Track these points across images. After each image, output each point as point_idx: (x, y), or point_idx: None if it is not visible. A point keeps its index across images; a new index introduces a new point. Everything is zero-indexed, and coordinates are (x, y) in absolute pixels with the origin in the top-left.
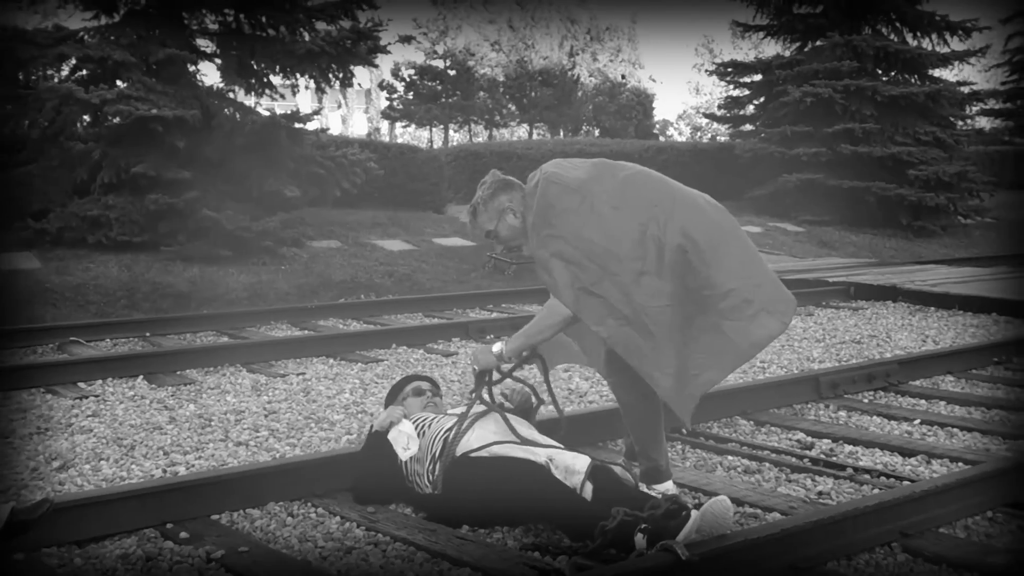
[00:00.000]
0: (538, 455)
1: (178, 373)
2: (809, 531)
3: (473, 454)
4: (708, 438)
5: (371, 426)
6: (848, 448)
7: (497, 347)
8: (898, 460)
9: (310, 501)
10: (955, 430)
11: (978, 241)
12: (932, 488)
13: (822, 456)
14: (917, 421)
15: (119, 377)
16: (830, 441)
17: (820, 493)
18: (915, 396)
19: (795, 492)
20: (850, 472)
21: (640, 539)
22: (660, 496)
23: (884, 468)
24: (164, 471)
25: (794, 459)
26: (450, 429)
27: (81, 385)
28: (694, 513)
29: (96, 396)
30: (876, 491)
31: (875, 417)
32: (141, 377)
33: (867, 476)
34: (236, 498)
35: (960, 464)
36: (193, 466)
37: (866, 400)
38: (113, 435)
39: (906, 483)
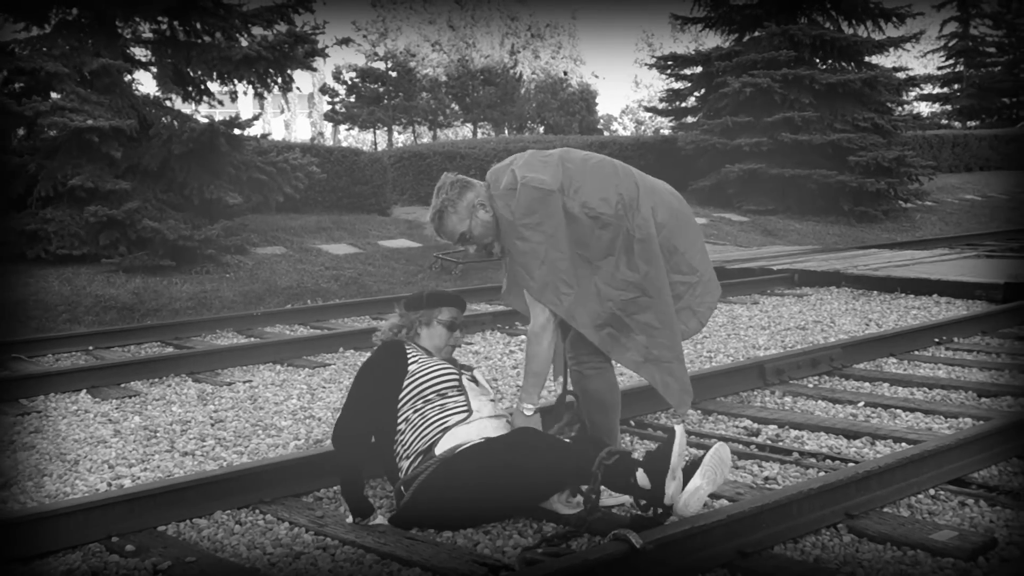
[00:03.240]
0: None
1: (122, 386)
2: (755, 516)
3: (464, 447)
4: (656, 428)
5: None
6: (794, 433)
7: (528, 412)
8: (843, 443)
9: (258, 508)
10: (898, 411)
11: (919, 224)
12: (875, 468)
13: (768, 442)
14: (861, 404)
15: (62, 392)
16: (776, 427)
17: (767, 479)
18: (859, 379)
19: (742, 479)
20: (796, 456)
21: (642, 476)
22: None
23: (829, 451)
24: (109, 484)
25: (741, 446)
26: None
27: (23, 401)
28: (678, 430)
29: (38, 412)
30: (821, 474)
31: (820, 401)
32: (84, 391)
33: (812, 460)
34: (183, 508)
35: (903, 444)
36: (139, 478)
37: (811, 385)
38: (56, 450)
39: (851, 465)
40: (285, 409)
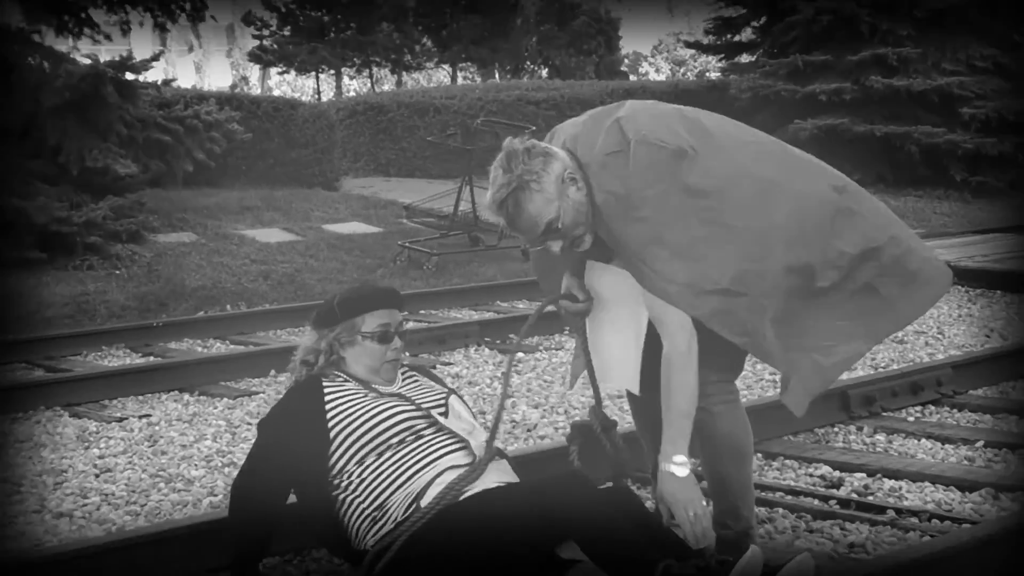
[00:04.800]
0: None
1: None
2: None
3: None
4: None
5: (292, 368)
6: (889, 484)
7: (681, 471)
8: (955, 496)
9: None
10: None
11: None
12: (1001, 531)
13: (854, 496)
14: (979, 444)
15: None
16: (864, 475)
17: (852, 545)
18: (976, 410)
19: (819, 545)
20: (891, 516)
21: None
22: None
23: (937, 508)
24: None
25: (817, 501)
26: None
27: None
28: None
29: None
30: (927, 539)
31: (924, 440)
32: None
33: (915, 520)
34: None
35: None
36: None
37: (912, 418)
38: None
39: (966, 527)
40: (196, 454)
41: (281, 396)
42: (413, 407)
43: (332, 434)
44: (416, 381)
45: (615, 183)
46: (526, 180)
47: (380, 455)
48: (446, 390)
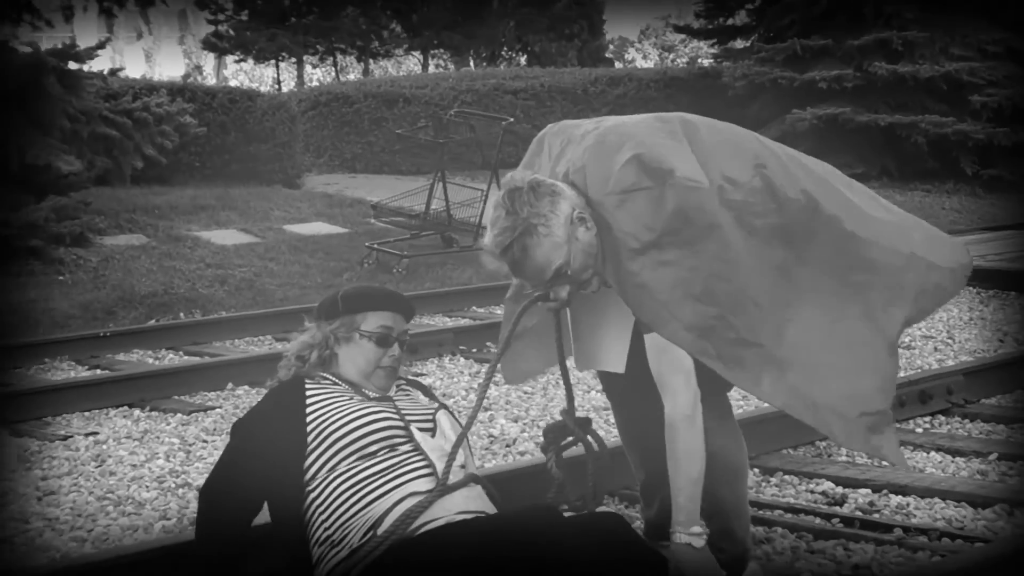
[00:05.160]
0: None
1: None
2: None
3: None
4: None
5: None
6: (896, 500)
7: (698, 542)
8: (967, 513)
9: None
10: None
11: None
12: (1016, 550)
13: (858, 513)
14: (993, 456)
15: None
16: (869, 491)
17: (856, 567)
18: (989, 420)
19: (821, 567)
20: (899, 534)
21: None
22: None
23: (947, 526)
24: None
25: (818, 520)
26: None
27: None
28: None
29: None
30: (937, 559)
31: (933, 453)
32: None
33: (923, 538)
34: None
35: None
36: None
37: (920, 430)
38: None
39: (979, 546)
40: (147, 474)
41: (259, 400)
42: (397, 416)
43: (310, 436)
44: (408, 394)
45: (634, 224)
46: (533, 224)
47: (351, 465)
48: (436, 405)
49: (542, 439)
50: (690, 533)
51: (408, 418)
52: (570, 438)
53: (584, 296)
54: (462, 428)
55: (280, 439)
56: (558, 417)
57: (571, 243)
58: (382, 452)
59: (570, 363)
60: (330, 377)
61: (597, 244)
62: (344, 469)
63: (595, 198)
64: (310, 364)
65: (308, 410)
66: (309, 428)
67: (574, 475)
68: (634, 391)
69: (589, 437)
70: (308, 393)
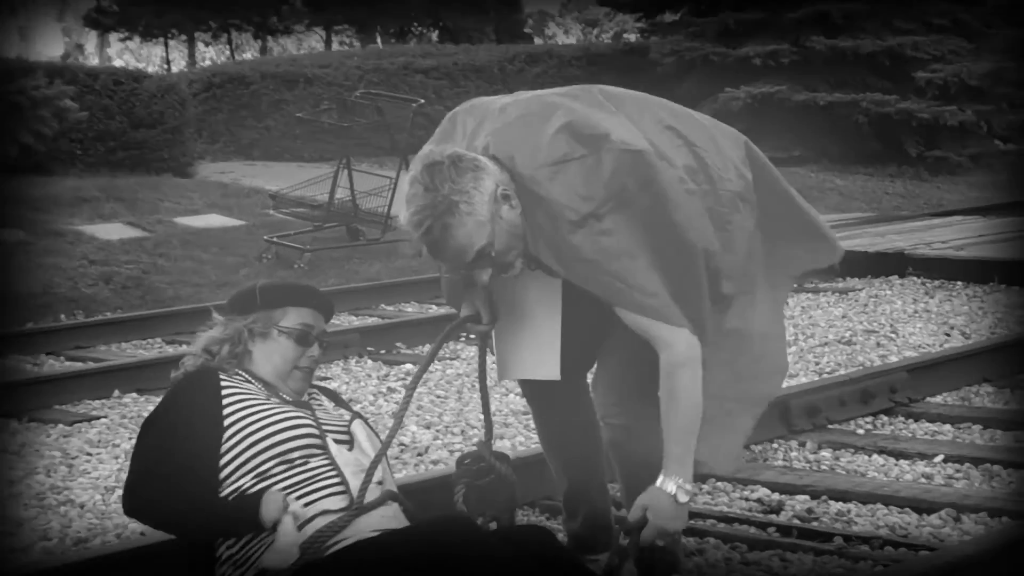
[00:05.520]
0: None
1: None
2: None
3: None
4: (620, 505)
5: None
6: (836, 507)
7: (683, 497)
8: (912, 520)
9: None
10: (996, 467)
11: None
12: (962, 559)
13: (796, 522)
14: (939, 459)
15: None
16: (807, 498)
17: None
18: (935, 420)
19: None
20: (839, 543)
21: None
22: None
23: (891, 533)
24: None
25: (754, 529)
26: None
27: None
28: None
29: None
30: (879, 568)
31: (876, 456)
32: None
33: (865, 547)
34: None
35: (1004, 519)
36: None
37: (862, 431)
38: None
39: (924, 554)
40: (26, 491)
41: (165, 392)
42: (315, 426)
43: (226, 433)
44: (319, 402)
45: (571, 196)
46: (455, 201)
47: (265, 472)
48: (349, 415)
49: (454, 467)
50: (680, 486)
51: (324, 428)
52: (486, 475)
53: (506, 297)
54: (379, 441)
55: (197, 433)
56: (471, 446)
57: (495, 222)
58: (298, 462)
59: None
60: (242, 374)
61: (522, 224)
62: (253, 480)
63: (524, 172)
64: (220, 358)
65: (225, 403)
66: (226, 424)
67: (483, 508)
68: (559, 398)
69: (505, 472)
70: (223, 385)
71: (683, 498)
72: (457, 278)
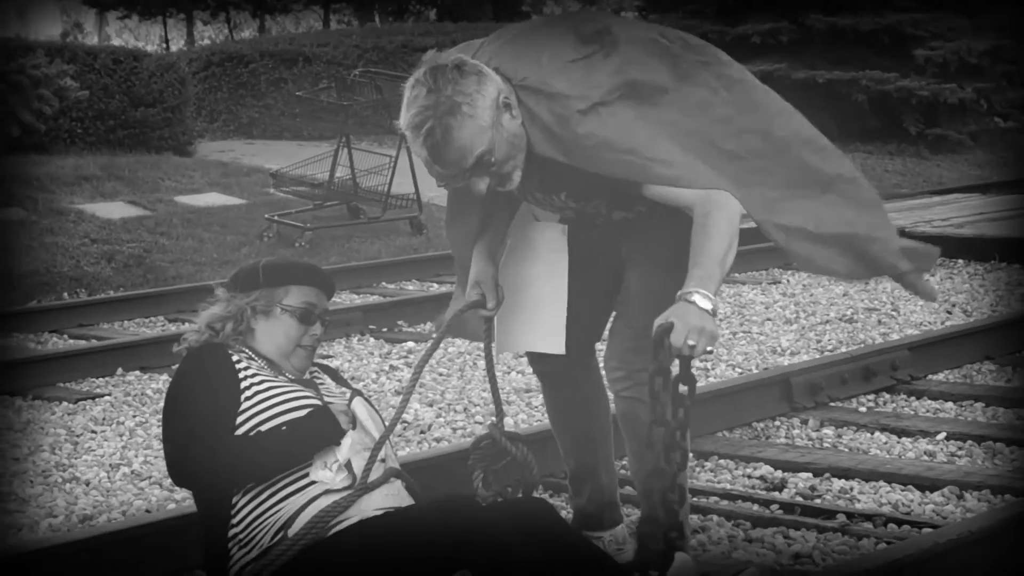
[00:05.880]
0: None
1: None
2: None
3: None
4: (623, 483)
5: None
6: (838, 484)
7: (704, 303)
8: (914, 497)
9: None
10: (999, 445)
11: None
12: (967, 535)
13: (799, 499)
14: (941, 436)
15: None
16: (810, 475)
17: (797, 556)
18: (937, 398)
19: (760, 557)
20: (841, 521)
21: None
22: None
23: (894, 511)
24: None
25: (756, 507)
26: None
27: None
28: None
29: None
30: (882, 546)
31: (878, 434)
32: None
33: (868, 525)
34: None
35: (1007, 497)
36: None
37: (863, 408)
38: None
39: (927, 531)
40: (31, 468)
41: (178, 366)
42: (320, 403)
43: (241, 407)
44: (321, 380)
45: (578, 87)
46: (457, 103)
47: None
48: (349, 392)
49: (469, 457)
50: (700, 292)
51: (329, 406)
52: (502, 458)
53: (510, 273)
54: (380, 418)
55: (219, 398)
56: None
57: (496, 129)
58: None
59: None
60: (246, 351)
61: (523, 135)
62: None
63: (529, 76)
64: (224, 335)
65: (240, 375)
66: (242, 397)
67: (504, 484)
68: (568, 373)
69: (521, 455)
70: (234, 359)
71: (704, 304)
72: (465, 208)
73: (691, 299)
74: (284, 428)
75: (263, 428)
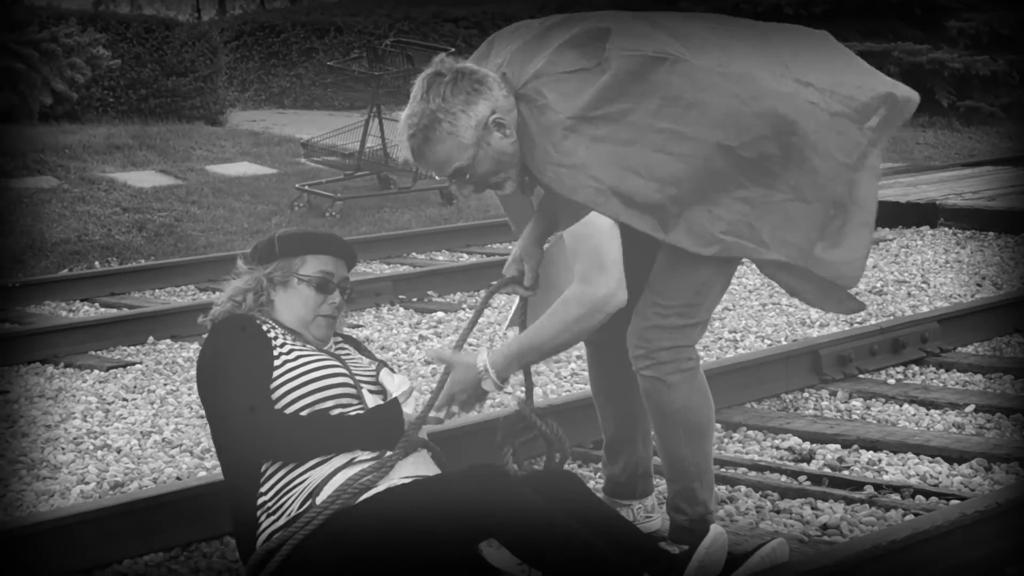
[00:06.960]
0: None
1: None
2: None
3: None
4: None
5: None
6: (867, 456)
7: (482, 359)
8: (943, 469)
9: None
10: None
11: None
12: (994, 508)
13: (827, 470)
14: (970, 408)
15: None
16: (838, 447)
17: (825, 527)
18: (966, 370)
19: (787, 528)
20: (870, 492)
21: None
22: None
23: (922, 482)
24: None
25: (784, 478)
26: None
27: None
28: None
29: None
30: (910, 518)
31: (907, 406)
32: None
33: (896, 497)
34: None
35: None
36: None
37: (892, 380)
38: None
39: (955, 503)
40: (63, 435)
41: (206, 341)
42: (348, 376)
43: (276, 370)
44: (347, 352)
45: (567, 102)
46: (439, 119)
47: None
48: (376, 363)
49: (498, 433)
50: (487, 363)
51: (358, 378)
52: (530, 433)
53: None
54: (412, 389)
55: (253, 369)
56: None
57: (479, 147)
58: (335, 412)
59: None
60: (270, 321)
61: (515, 152)
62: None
63: (530, 85)
64: (247, 306)
65: (273, 343)
66: (276, 362)
67: (529, 455)
68: (614, 342)
69: (551, 431)
70: (263, 328)
71: (487, 386)
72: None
73: (481, 369)
74: (350, 419)
75: (299, 404)
